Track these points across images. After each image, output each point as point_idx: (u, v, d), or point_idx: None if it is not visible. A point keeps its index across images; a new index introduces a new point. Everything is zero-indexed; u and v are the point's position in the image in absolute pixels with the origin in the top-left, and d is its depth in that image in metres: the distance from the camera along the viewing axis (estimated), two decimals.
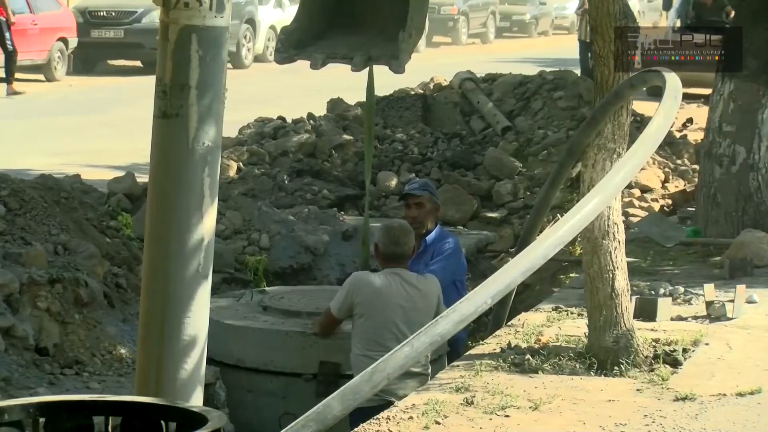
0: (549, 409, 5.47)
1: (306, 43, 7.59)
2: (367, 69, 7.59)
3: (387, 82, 11.02)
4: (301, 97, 19.62)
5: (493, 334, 6.96)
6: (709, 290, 7.19)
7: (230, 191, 10.90)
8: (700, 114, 14.77)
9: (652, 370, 5.98)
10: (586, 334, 6.25)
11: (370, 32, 7.68)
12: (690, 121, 16.35)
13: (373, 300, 6.73)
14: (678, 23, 20.68)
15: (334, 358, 7.18)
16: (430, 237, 7.66)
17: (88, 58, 25.20)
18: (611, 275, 6.06)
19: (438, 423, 5.25)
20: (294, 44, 7.56)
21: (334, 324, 7.08)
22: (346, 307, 6.82)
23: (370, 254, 7.61)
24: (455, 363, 6.36)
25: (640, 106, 12.72)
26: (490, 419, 5.32)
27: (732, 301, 7.09)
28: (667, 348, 6.24)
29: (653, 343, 6.32)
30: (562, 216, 4.88)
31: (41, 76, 23.37)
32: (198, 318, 4.39)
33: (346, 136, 13.07)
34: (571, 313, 7.16)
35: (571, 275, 9.14)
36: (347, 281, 6.94)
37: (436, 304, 6.84)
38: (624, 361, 5.98)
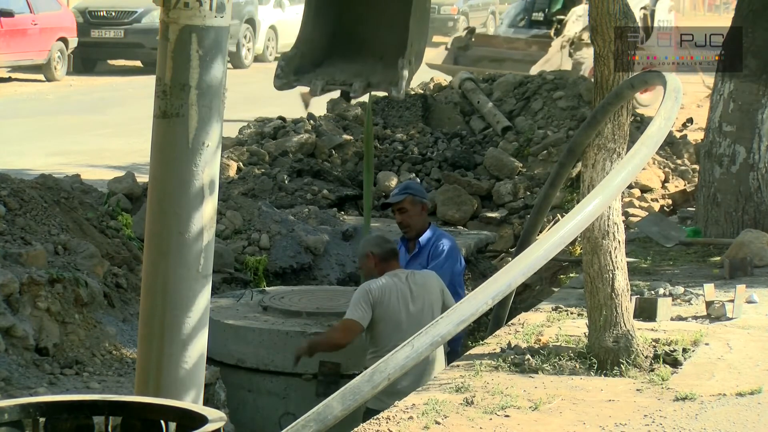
0: (549, 409, 5.47)
1: (306, 70, 7.67)
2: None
3: None
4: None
5: (493, 334, 6.96)
6: (709, 290, 7.19)
7: (230, 191, 10.90)
8: (700, 114, 14.79)
9: (652, 370, 5.98)
10: (586, 334, 6.25)
11: (369, 59, 7.74)
12: (690, 121, 16.36)
13: (385, 301, 6.73)
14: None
15: (334, 358, 7.18)
16: (423, 238, 7.62)
17: (88, 58, 25.23)
18: (611, 275, 6.06)
19: (438, 423, 5.25)
20: (294, 70, 7.65)
21: (357, 332, 6.80)
22: (366, 313, 6.71)
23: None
24: (455, 363, 6.36)
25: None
26: (490, 419, 5.31)
27: (732, 301, 7.09)
28: (667, 348, 6.24)
29: (653, 343, 6.32)
30: (562, 216, 4.89)
31: (41, 76, 23.38)
32: (198, 318, 4.39)
33: (346, 136, 13.07)
34: (571, 313, 7.16)
35: (571, 275, 9.14)
36: (357, 292, 6.84)
37: (441, 298, 6.86)
38: (624, 361, 5.98)
